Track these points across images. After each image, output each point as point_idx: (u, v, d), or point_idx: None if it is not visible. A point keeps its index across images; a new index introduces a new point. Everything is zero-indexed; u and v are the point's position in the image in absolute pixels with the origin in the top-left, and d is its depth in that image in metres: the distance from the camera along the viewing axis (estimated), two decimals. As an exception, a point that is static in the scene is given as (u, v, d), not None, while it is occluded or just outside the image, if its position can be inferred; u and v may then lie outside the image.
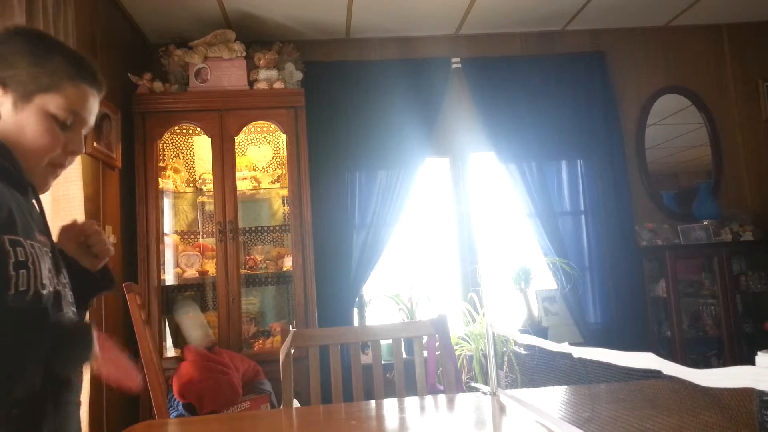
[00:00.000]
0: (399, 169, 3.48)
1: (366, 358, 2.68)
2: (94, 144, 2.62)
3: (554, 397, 1.53)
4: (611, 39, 3.81)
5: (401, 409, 1.51)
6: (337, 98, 3.50)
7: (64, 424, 0.95)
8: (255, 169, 3.42)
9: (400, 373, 1.83)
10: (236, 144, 3.15)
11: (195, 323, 3.02)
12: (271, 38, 3.44)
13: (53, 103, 0.96)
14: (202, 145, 3.43)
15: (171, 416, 2.44)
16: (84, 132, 1.04)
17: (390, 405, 1.56)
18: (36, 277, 0.90)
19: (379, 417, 1.47)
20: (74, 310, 1.04)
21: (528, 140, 3.57)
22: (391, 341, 1.99)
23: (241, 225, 3.16)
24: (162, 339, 3.07)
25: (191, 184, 3.38)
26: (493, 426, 1.32)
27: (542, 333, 3.21)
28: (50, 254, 0.98)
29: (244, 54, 3.19)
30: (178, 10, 3.15)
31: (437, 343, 2.36)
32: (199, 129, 3.21)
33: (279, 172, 3.42)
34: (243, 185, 3.26)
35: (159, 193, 3.07)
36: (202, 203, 3.44)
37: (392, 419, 1.45)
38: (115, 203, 2.88)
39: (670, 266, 3.35)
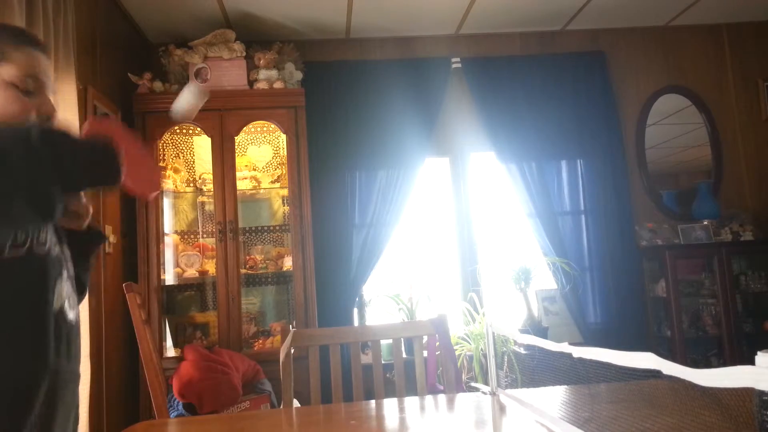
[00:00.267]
0: (399, 169, 3.48)
1: (366, 358, 2.68)
2: (94, 144, 2.61)
3: (554, 397, 1.53)
4: (611, 39, 3.81)
5: (401, 409, 1.51)
6: (337, 98, 3.50)
7: (64, 396, 0.98)
8: (255, 169, 3.42)
9: (400, 373, 1.83)
10: (236, 144, 3.15)
11: (192, 95, 2.73)
12: (271, 38, 3.44)
13: (6, 72, 0.98)
14: (202, 145, 3.43)
15: (171, 416, 2.45)
16: (49, 95, 1.05)
17: (390, 405, 1.56)
18: (35, 233, 0.94)
19: (379, 417, 1.47)
20: (70, 274, 1.06)
21: (528, 140, 3.57)
22: (391, 341, 1.99)
23: (241, 225, 3.16)
24: (162, 339, 3.07)
25: (191, 184, 3.38)
26: (493, 426, 1.32)
27: (542, 333, 3.21)
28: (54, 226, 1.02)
29: (244, 54, 3.19)
30: (178, 10, 3.15)
31: (437, 343, 2.36)
32: (199, 129, 3.22)
33: (279, 172, 3.42)
34: (243, 185, 3.26)
35: (159, 193, 3.07)
36: (202, 203, 3.44)
37: (392, 419, 1.45)
38: (115, 203, 2.88)
39: (670, 266, 3.35)
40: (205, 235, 3.40)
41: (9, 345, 0.90)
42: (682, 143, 3.87)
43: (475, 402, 1.53)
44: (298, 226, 3.09)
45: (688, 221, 3.61)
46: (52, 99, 1.07)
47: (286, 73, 3.21)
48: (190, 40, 3.18)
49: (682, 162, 3.91)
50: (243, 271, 3.18)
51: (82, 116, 2.43)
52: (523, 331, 1.87)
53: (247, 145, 3.51)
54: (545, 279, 3.48)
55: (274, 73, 3.19)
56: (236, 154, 3.14)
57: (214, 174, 3.08)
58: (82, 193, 1.15)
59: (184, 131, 3.41)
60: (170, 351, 3.12)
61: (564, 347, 1.12)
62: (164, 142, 3.29)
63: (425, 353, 2.02)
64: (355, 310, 3.44)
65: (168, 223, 3.24)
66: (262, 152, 3.53)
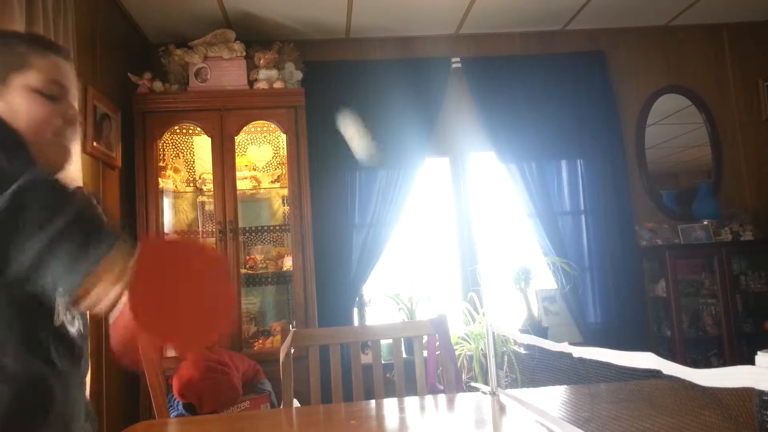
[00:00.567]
0: (399, 169, 3.48)
1: (366, 358, 2.68)
2: (94, 144, 2.62)
3: (554, 397, 1.53)
4: (611, 39, 3.81)
5: (401, 409, 1.51)
6: (337, 98, 3.50)
7: (76, 400, 1.03)
8: (255, 169, 3.42)
9: (400, 372, 1.83)
10: (236, 144, 3.15)
11: (358, 133, 2.72)
12: (271, 38, 3.44)
13: (31, 78, 0.99)
14: (202, 145, 3.43)
15: (171, 416, 2.44)
16: (72, 100, 1.07)
17: (390, 405, 1.56)
18: None
19: (379, 417, 1.47)
20: None
21: (528, 140, 3.57)
22: (391, 341, 1.99)
23: (241, 225, 3.16)
24: (162, 339, 3.06)
25: (191, 184, 3.38)
26: (493, 426, 1.32)
27: (542, 333, 3.21)
28: None
29: (244, 54, 3.19)
30: (178, 10, 3.15)
31: (437, 343, 2.37)
32: (199, 129, 3.21)
33: (279, 171, 3.42)
34: (243, 185, 3.26)
35: (159, 193, 3.07)
36: (202, 203, 3.44)
37: (392, 419, 1.45)
38: (115, 203, 2.88)
39: (670, 266, 3.35)
40: (205, 235, 3.40)
41: (17, 356, 0.91)
42: (682, 143, 3.87)
43: (475, 402, 1.53)
44: (298, 226, 3.09)
45: (688, 221, 3.61)
46: (75, 104, 1.07)
47: (286, 73, 3.21)
48: (190, 40, 3.18)
49: (682, 162, 3.91)
50: (243, 271, 3.18)
51: (83, 116, 2.43)
52: (523, 331, 1.87)
53: (247, 145, 3.50)
54: (545, 279, 3.48)
55: (274, 73, 3.19)
56: (236, 154, 3.14)
57: (214, 174, 3.08)
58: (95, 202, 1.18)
59: (184, 131, 3.41)
60: (170, 351, 3.11)
61: (564, 347, 1.12)
62: (164, 141, 3.29)
63: (425, 353, 2.02)
64: (355, 310, 3.44)
65: (168, 223, 3.24)
66: (262, 152, 3.53)
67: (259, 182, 3.35)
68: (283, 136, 3.22)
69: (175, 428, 1.57)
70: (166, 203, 3.24)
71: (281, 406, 1.86)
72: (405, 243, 3.65)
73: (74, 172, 2.21)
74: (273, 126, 3.23)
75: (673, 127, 3.83)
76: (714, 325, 3.39)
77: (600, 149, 3.63)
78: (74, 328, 1.04)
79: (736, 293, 3.38)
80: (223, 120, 3.10)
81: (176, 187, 3.32)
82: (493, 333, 1.54)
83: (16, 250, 0.71)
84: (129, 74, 3.07)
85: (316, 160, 3.39)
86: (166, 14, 3.19)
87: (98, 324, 2.53)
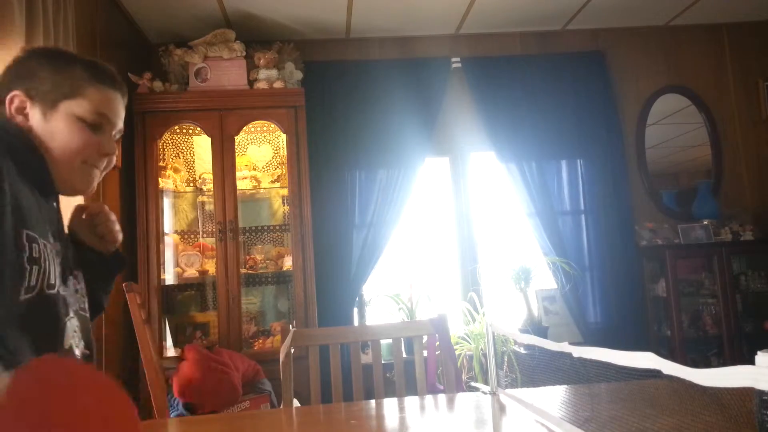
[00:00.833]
0: (399, 169, 3.48)
1: (366, 358, 2.68)
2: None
3: (554, 397, 1.53)
4: (611, 39, 3.81)
5: (401, 409, 1.51)
6: (337, 98, 3.50)
7: None
8: (255, 169, 3.42)
9: (400, 372, 1.83)
10: (236, 144, 3.15)
11: None
12: (271, 38, 3.44)
13: (78, 107, 1.01)
14: (202, 145, 3.43)
15: (171, 416, 2.44)
16: (115, 134, 1.09)
17: (390, 404, 1.56)
18: (45, 276, 0.93)
19: (379, 416, 1.47)
20: (84, 314, 1.08)
21: (528, 140, 3.57)
22: (391, 341, 1.99)
23: (241, 225, 3.16)
24: (162, 339, 3.07)
25: (191, 184, 3.38)
26: (493, 425, 1.32)
27: (542, 332, 3.21)
28: (61, 260, 1.01)
29: (244, 54, 3.19)
30: (178, 10, 3.15)
31: (437, 343, 2.36)
32: (199, 129, 3.21)
33: (279, 171, 3.42)
34: (243, 185, 3.26)
35: (159, 193, 3.07)
36: (202, 203, 3.44)
37: (392, 419, 1.45)
38: (115, 203, 2.88)
39: (670, 266, 3.35)
40: (205, 235, 3.40)
41: None
42: (682, 143, 3.87)
43: (475, 402, 1.53)
44: (298, 226, 3.09)
45: (688, 221, 3.61)
46: (116, 136, 1.09)
47: (286, 72, 3.21)
48: (190, 40, 3.18)
49: (682, 162, 3.91)
50: (243, 270, 3.18)
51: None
52: (523, 331, 1.87)
53: (247, 144, 3.51)
54: (545, 279, 3.48)
55: (274, 72, 3.19)
56: (236, 154, 3.14)
57: (214, 174, 3.08)
58: (114, 218, 1.18)
59: (184, 131, 3.41)
60: (170, 351, 3.12)
61: (564, 347, 1.12)
62: (164, 141, 3.29)
63: (425, 353, 2.02)
64: (355, 310, 3.44)
65: (168, 222, 3.24)
66: (262, 152, 3.53)
67: (259, 182, 3.35)
68: (283, 136, 3.22)
69: (175, 428, 1.57)
70: (166, 203, 3.24)
71: (281, 406, 1.86)
72: (405, 243, 3.65)
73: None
74: (273, 126, 3.23)
75: (673, 127, 3.83)
76: (714, 325, 3.39)
77: (600, 149, 3.63)
78: (79, 350, 1.05)
79: (736, 293, 3.38)
80: (223, 120, 3.10)
81: (176, 187, 3.32)
82: (493, 333, 1.54)
83: None
84: (129, 74, 3.07)
85: (316, 160, 3.40)
86: (166, 14, 3.19)
87: (98, 324, 2.53)
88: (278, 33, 3.48)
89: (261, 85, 3.15)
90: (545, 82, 3.64)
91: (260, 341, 3.20)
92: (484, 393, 1.55)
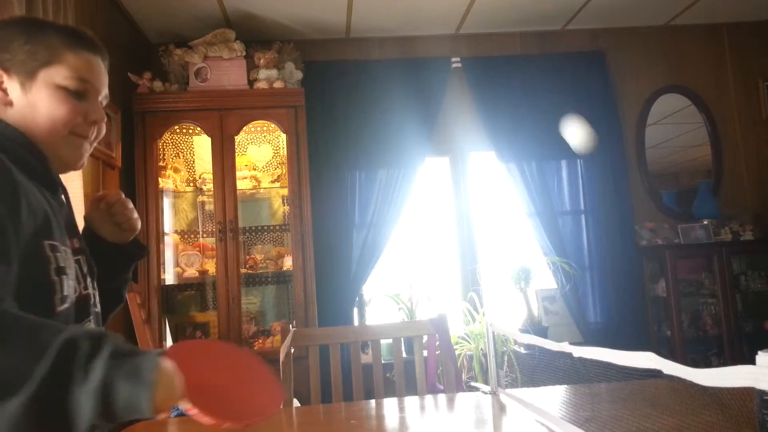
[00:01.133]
0: (399, 169, 3.48)
1: (366, 358, 2.68)
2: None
3: (554, 397, 1.53)
4: (611, 39, 3.81)
5: (401, 409, 1.51)
6: (337, 98, 3.50)
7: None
8: (255, 169, 3.42)
9: (400, 372, 1.83)
10: (236, 143, 3.15)
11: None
12: (271, 38, 3.44)
13: (58, 74, 0.96)
14: (202, 145, 3.43)
15: (171, 416, 2.44)
16: (101, 100, 1.04)
17: (390, 404, 1.56)
18: (75, 282, 0.93)
19: (379, 416, 1.47)
20: (96, 310, 1.05)
21: (528, 140, 3.57)
22: (390, 341, 1.99)
23: (241, 224, 3.16)
24: (162, 339, 3.07)
25: (191, 184, 3.37)
26: (493, 425, 1.32)
27: (542, 332, 3.21)
28: (78, 259, 0.99)
29: (244, 53, 3.18)
30: (178, 10, 3.15)
31: (437, 343, 2.36)
32: (199, 128, 3.21)
33: (279, 171, 3.42)
34: (243, 185, 3.26)
35: (159, 193, 3.07)
36: (202, 203, 3.44)
37: (392, 419, 1.45)
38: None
39: (670, 266, 3.35)
40: (205, 235, 3.40)
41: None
42: (682, 143, 3.87)
43: (475, 402, 1.53)
44: (298, 226, 3.09)
45: (688, 221, 3.61)
46: (102, 102, 1.05)
47: (286, 72, 3.21)
48: (190, 40, 3.17)
49: (682, 162, 3.91)
50: (243, 270, 3.17)
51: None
52: (523, 331, 1.87)
53: (247, 144, 3.50)
54: (545, 279, 3.48)
55: (274, 72, 3.19)
56: (236, 154, 3.14)
57: (214, 174, 3.08)
58: (132, 206, 1.16)
59: (184, 131, 3.41)
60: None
61: (564, 347, 1.12)
62: (164, 141, 3.29)
63: (425, 353, 2.02)
64: (355, 310, 3.44)
65: (168, 222, 3.24)
66: (262, 152, 3.53)
67: (259, 182, 3.35)
68: (283, 136, 3.22)
69: (175, 428, 1.57)
70: (166, 203, 3.24)
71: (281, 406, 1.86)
72: (405, 243, 3.65)
73: (74, 172, 2.21)
74: (273, 126, 3.23)
75: (673, 127, 3.83)
76: (714, 325, 3.39)
77: (600, 149, 3.62)
78: None
79: (736, 293, 3.38)
80: (223, 120, 3.10)
81: (176, 186, 3.32)
82: (493, 333, 1.55)
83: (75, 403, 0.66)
84: (129, 74, 3.07)
85: (316, 160, 3.39)
86: (166, 14, 3.19)
87: (98, 324, 2.53)
88: (278, 33, 3.47)
89: (261, 85, 3.15)
90: (545, 82, 3.64)
91: (260, 341, 3.19)
92: (484, 393, 1.55)
